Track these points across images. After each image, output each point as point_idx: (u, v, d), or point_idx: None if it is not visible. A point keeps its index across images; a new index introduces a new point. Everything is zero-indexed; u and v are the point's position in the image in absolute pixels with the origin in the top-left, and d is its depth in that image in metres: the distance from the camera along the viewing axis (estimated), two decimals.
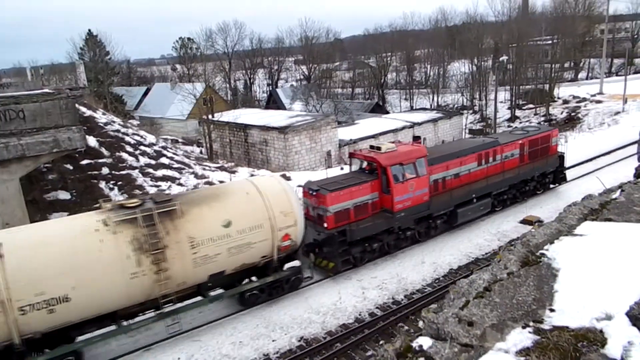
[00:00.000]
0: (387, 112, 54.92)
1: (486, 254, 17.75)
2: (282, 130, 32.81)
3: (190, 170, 27.96)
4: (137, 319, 12.84)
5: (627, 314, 2.57)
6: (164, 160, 27.34)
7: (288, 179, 22.45)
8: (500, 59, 47.54)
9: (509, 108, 51.37)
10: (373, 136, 35.48)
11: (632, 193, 4.23)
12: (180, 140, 46.85)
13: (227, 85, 69.57)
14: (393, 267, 16.90)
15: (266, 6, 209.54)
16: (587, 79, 68.29)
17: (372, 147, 17.85)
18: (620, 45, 70.97)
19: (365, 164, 17.90)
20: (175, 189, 23.95)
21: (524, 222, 20.25)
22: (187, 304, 13.27)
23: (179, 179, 25.92)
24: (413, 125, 37.97)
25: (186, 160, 29.83)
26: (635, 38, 76.47)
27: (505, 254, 3.23)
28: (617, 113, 41.00)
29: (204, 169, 30.00)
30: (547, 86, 52.98)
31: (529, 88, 54.06)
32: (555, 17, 72.49)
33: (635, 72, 66.02)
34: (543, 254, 3.24)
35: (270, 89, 75.46)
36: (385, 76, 71.13)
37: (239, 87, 78.85)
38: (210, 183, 26.03)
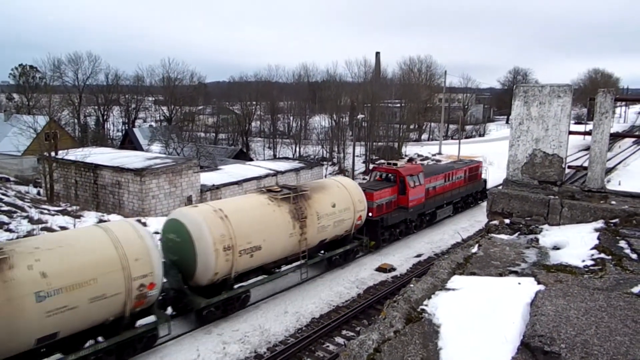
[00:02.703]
0: (251, 160, 55.12)
1: (346, 301, 18.22)
2: (139, 172, 30.61)
3: (24, 214, 24.40)
4: (283, 269, 18.37)
5: None
6: None
7: (144, 224, 20.74)
8: (358, 116, 51.41)
9: (364, 162, 55.26)
10: (237, 182, 35.01)
11: (488, 248, 4.56)
12: (12, 179, 40.91)
13: (76, 121, 63.51)
14: (255, 319, 16.34)
15: (126, 43, 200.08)
16: (428, 140, 77.13)
17: (389, 163, 26.52)
18: (454, 113, 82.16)
19: (378, 175, 25.52)
20: (3, 236, 20.54)
21: (379, 269, 21.44)
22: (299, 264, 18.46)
23: (8, 223, 22.36)
24: (276, 173, 38.46)
25: (19, 203, 26.06)
26: (466, 108, 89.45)
27: (389, 310, 3.17)
28: None
29: (42, 213, 26.44)
30: (396, 144, 58.50)
31: (381, 145, 59.08)
32: (402, 84, 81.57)
33: (466, 137, 76.63)
34: (424, 310, 3.25)
35: (127, 127, 70.89)
36: (249, 124, 71.85)
37: (90, 124, 72.59)
38: (48, 229, 22.94)
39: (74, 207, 30.88)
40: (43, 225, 24.24)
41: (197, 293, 15.30)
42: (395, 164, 25.49)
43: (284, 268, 18.46)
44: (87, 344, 12.57)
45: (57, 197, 33.97)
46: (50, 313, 10.94)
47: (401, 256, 22.99)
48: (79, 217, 28.00)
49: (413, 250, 23.87)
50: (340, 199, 19.83)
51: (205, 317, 15.47)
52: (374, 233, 22.63)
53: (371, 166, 54.71)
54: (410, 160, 30.96)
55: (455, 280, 3.87)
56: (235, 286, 16.24)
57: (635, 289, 3.35)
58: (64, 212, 28.69)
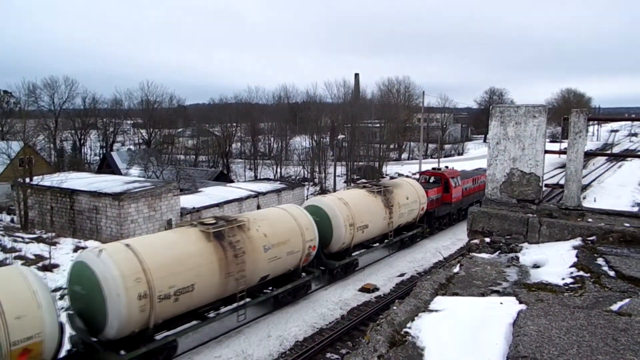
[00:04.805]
0: (232, 181, 54.77)
1: (330, 323, 18.02)
2: (117, 196, 30.10)
3: None
4: (379, 245, 25.12)
5: None
6: None
7: None
8: (338, 137, 51.72)
9: (345, 182, 55.43)
10: (218, 204, 34.66)
11: (469, 267, 4.58)
12: None
13: (52, 146, 62.36)
14: (238, 344, 16.02)
15: (104, 67, 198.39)
16: (408, 159, 77.88)
17: (434, 169, 33.95)
18: (433, 132, 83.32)
19: (424, 179, 31.66)
20: None
21: (362, 289, 21.33)
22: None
23: None
24: (258, 194, 38.25)
25: None
26: (444, 128, 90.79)
27: (372, 334, 3.14)
28: None
29: (15, 241, 25.72)
30: (377, 163, 58.89)
31: (362, 164, 59.42)
32: (382, 104, 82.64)
33: (445, 156, 77.66)
34: (407, 333, 3.22)
35: (104, 151, 69.92)
36: (230, 145, 71.59)
37: (67, 148, 71.35)
38: (22, 257, 22.29)
39: (50, 234, 30.10)
40: (17, 253, 23.54)
41: (328, 258, 21.39)
42: (440, 169, 33.17)
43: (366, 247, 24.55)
44: (266, 291, 18.37)
45: (31, 224, 33.11)
46: (269, 260, 16.96)
47: (384, 276, 22.95)
48: (54, 244, 27.29)
49: (396, 270, 23.85)
50: (410, 194, 26.07)
51: (335, 275, 21.79)
52: (428, 222, 28.89)
53: (352, 185, 55.01)
54: (446, 167, 36.31)
55: (438, 301, 3.85)
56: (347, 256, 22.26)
57: (615, 307, 3.38)
58: (38, 240, 27.94)
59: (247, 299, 16.69)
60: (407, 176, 33.19)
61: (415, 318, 3.50)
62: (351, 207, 21.56)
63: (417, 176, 36.24)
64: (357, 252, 23.08)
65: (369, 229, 22.66)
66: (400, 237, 26.07)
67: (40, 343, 10.50)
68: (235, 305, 16.18)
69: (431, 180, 31.23)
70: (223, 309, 16.26)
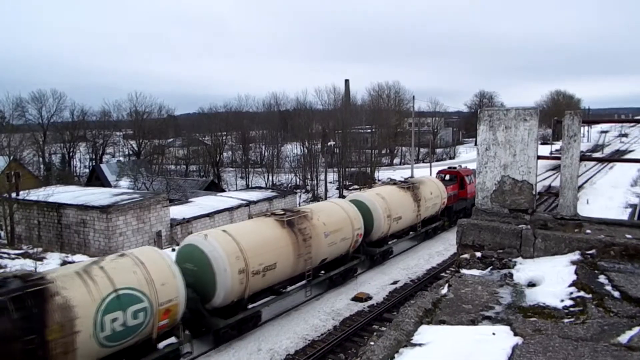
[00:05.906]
0: (223, 190, 54.16)
1: (322, 334, 17.50)
2: (105, 209, 29.49)
3: None
4: (408, 236, 27.52)
5: None
6: None
7: None
8: (329, 143, 51.32)
9: (337, 188, 54.98)
10: (208, 215, 34.10)
11: (459, 288, 4.16)
12: None
13: (40, 159, 61.48)
14: (227, 358, 15.49)
15: (91, 79, 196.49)
16: (400, 164, 77.59)
17: (450, 167, 36.99)
18: (424, 137, 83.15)
19: (440, 177, 33.22)
20: None
21: (355, 299, 20.83)
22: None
23: None
24: (249, 203, 37.69)
25: None
26: (435, 132, 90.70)
27: None
28: None
29: (1, 257, 25.09)
30: (369, 169, 58.51)
31: (354, 170, 59.02)
32: (372, 110, 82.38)
33: (437, 160, 77.44)
34: None
35: (94, 164, 69.09)
36: (220, 154, 70.99)
37: (55, 162, 70.41)
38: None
39: (36, 249, 29.42)
40: (1, 270, 22.90)
41: (369, 246, 23.79)
42: (455, 168, 35.98)
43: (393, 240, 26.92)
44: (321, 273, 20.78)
45: (18, 240, 32.40)
46: (328, 245, 19.63)
47: (377, 284, 22.45)
48: (40, 259, 26.67)
49: (389, 277, 23.38)
50: (433, 190, 28.72)
51: (376, 261, 24.40)
52: (448, 216, 31.35)
53: (345, 192, 54.64)
54: (460, 166, 39.20)
55: (423, 332, 3.41)
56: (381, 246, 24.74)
57: (624, 338, 2.95)
58: (24, 255, 27.28)
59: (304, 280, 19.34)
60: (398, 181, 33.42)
61: (396, 355, 3.06)
62: (387, 200, 24.33)
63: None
64: (391, 242, 25.83)
65: (402, 220, 25.39)
66: (426, 229, 28.85)
67: (176, 305, 13.01)
68: (304, 282, 19.05)
69: (447, 178, 33.43)
70: (289, 287, 18.87)
